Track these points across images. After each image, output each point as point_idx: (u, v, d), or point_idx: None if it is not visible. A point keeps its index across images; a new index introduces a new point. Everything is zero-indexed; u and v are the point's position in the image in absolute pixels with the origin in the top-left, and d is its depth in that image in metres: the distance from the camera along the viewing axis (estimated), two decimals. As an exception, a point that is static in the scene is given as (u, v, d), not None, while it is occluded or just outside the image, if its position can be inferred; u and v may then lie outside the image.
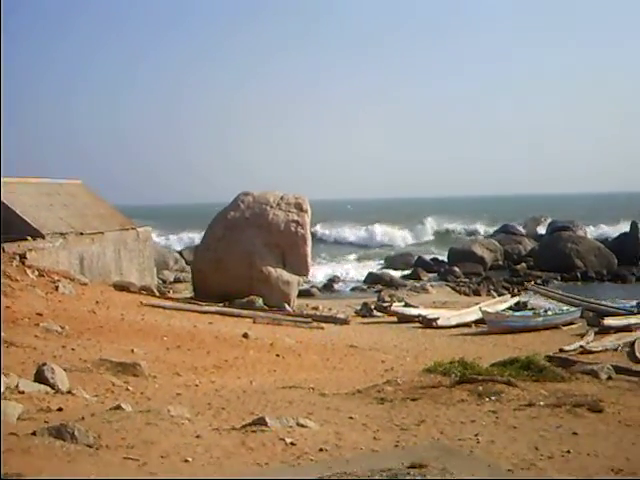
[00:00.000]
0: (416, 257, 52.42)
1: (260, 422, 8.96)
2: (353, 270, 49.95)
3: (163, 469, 7.00)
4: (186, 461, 7.32)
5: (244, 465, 7.40)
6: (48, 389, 10.58)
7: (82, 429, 7.56)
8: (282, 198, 30.75)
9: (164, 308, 24.07)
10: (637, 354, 20.92)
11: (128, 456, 7.23)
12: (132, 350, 16.00)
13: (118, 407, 9.48)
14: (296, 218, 29.95)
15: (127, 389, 12.11)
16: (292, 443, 8.28)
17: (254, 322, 23.52)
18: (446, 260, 52.02)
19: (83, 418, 8.54)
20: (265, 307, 27.16)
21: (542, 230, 61.10)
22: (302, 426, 9.11)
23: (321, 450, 8.15)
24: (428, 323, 26.04)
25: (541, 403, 10.99)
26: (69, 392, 10.82)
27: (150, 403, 10.82)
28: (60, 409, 9.54)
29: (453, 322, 26.43)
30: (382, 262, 53.81)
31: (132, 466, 6.98)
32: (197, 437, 8.25)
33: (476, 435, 9.15)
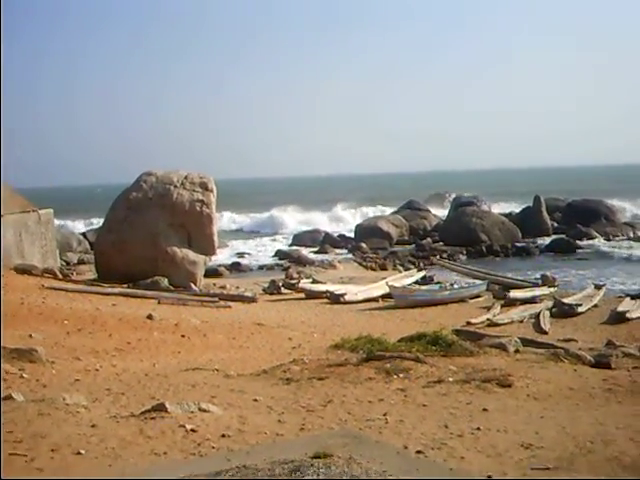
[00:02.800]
0: (323, 234, 52.28)
1: (160, 408, 8.58)
2: (262, 248, 49.68)
3: (52, 464, 6.57)
4: (78, 454, 6.91)
5: (140, 456, 7.02)
6: None
7: (-38, 424, 7.06)
8: (186, 177, 30.07)
9: (66, 291, 23.35)
10: (542, 325, 21.15)
11: (14, 452, 6.76)
12: (30, 335, 15.32)
13: (8, 397, 8.94)
14: (201, 197, 29.35)
15: (21, 377, 11.46)
16: (193, 430, 7.93)
17: (159, 303, 22.97)
18: (353, 236, 52.00)
19: (-33, 412, 8.01)
20: (171, 287, 26.59)
21: (447, 206, 61.63)
22: (204, 411, 8.75)
23: (223, 436, 7.82)
24: (336, 299, 25.84)
25: (450, 379, 10.86)
26: (-47, 384, 10.22)
27: (45, 391, 10.29)
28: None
29: (360, 297, 26.28)
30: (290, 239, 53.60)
31: (18, 463, 6.53)
32: (92, 426, 7.83)
33: (385, 415, 8.93)
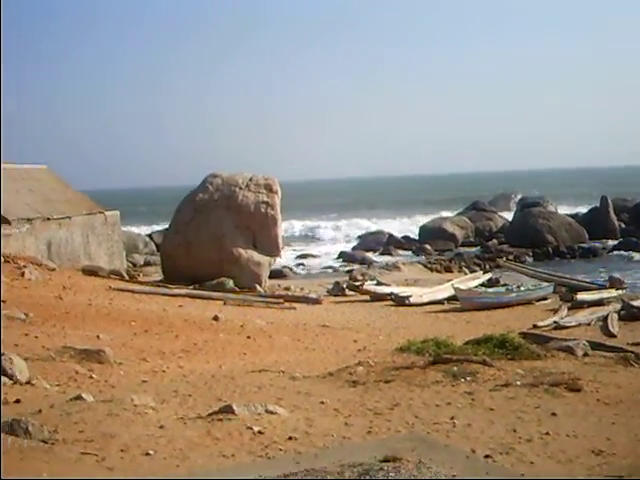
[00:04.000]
0: (387, 235, 52.18)
1: (227, 410, 8.62)
2: (326, 250, 49.75)
3: (122, 464, 6.64)
4: (147, 454, 6.96)
5: (208, 457, 7.06)
6: (6, 380, 10.10)
7: (36, 424, 7.16)
8: (251, 179, 30.29)
9: (133, 292, 23.66)
10: (610, 328, 20.79)
11: (85, 451, 6.85)
12: (98, 336, 15.51)
13: (79, 397, 9.06)
14: (266, 199, 29.54)
15: (91, 377, 11.64)
16: (260, 432, 7.95)
17: (224, 304, 23.18)
18: (417, 238, 51.83)
19: (40, 411, 8.12)
20: (236, 289, 26.79)
21: (513, 207, 61.08)
22: (271, 413, 8.77)
23: (290, 439, 7.83)
24: (400, 301, 25.76)
25: (518, 383, 10.73)
26: (28, 382, 10.37)
27: (114, 392, 10.41)
28: (18, 401, 9.10)
29: (425, 300, 26.16)
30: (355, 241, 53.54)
31: (89, 462, 6.61)
32: (160, 427, 7.89)
33: (452, 418, 8.87)
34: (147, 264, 39.27)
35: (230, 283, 26.99)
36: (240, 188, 29.74)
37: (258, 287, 27.63)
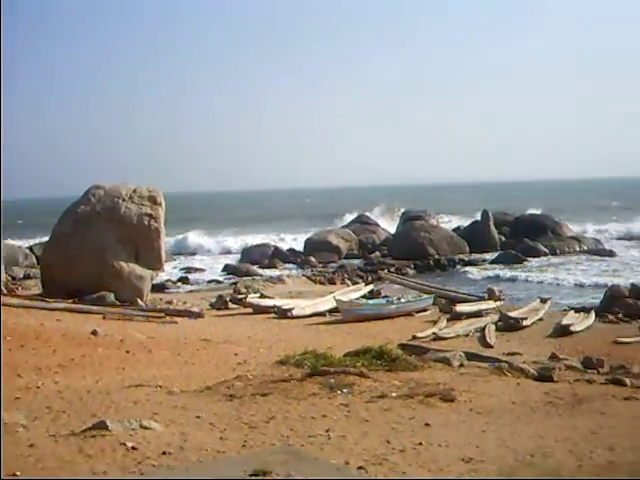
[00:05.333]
0: (273, 248, 52.17)
1: (100, 426, 8.50)
2: (211, 263, 49.38)
3: (-13, 486, 6.48)
4: (14, 475, 6.79)
5: (79, 476, 6.92)
6: None
7: None
8: (135, 191, 29.80)
9: (10, 306, 23.00)
10: (487, 339, 21.30)
11: (-52, 473, 6.66)
12: (-33, 353, 15.07)
13: (-57, 416, 8.80)
14: (149, 211, 29.11)
15: (-42, 395, 11.31)
16: (133, 447, 7.86)
17: (104, 318, 22.73)
18: (302, 250, 51.99)
19: None
20: (117, 303, 26.36)
21: (396, 220, 61.84)
22: (146, 428, 8.69)
23: (164, 454, 7.77)
24: (283, 313, 25.78)
25: (393, 394, 10.90)
26: None
27: (-17, 410, 10.12)
28: None
29: (308, 312, 26.24)
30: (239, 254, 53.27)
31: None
32: (30, 446, 7.74)
33: (327, 431, 8.94)
34: (27, 277, 38.20)
35: (111, 297, 26.53)
36: (123, 200, 29.24)
37: (140, 301, 27.23)
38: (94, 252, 27.71)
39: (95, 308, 24.27)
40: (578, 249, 50.29)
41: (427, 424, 9.38)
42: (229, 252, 55.74)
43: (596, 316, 25.29)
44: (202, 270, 45.63)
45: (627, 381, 13.37)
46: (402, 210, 64.22)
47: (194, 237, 60.16)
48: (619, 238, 58.99)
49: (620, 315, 26.11)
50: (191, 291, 35.63)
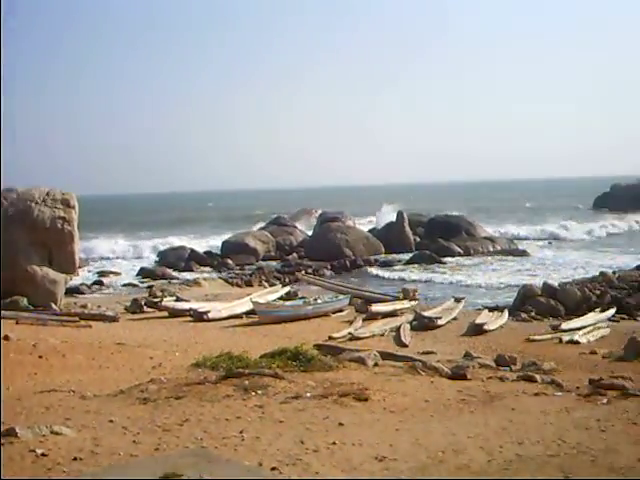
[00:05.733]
0: (189, 250, 51.79)
1: (9, 433, 8.33)
2: (126, 266, 48.80)
3: None
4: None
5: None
6: None
7: None
8: (48, 194, 29.29)
9: None
10: (402, 338, 21.49)
11: None
12: None
13: None
14: (63, 214, 28.65)
15: None
16: (43, 454, 7.74)
17: (17, 323, 22.31)
18: (219, 252, 51.75)
19: None
20: (30, 307, 25.92)
21: (313, 222, 62.03)
22: (57, 434, 8.55)
23: (75, 459, 7.67)
24: (199, 316, 25.61)
25: (308, 395, 10.91)
26: None
27: None
28: None
29: (224, 314, 26.11)
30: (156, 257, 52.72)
31: None
32: None
33: (241, 432, 8.92)
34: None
35: (24, 301, 26.10)
36: (36, 203, 28.73)
37: (53, 305, 26.80)
38: (6, 256, 27.17)
39: (7, 313, 23.76)
40: (492, 249, 51.10)
41: (341, 424, 9.42)
42: (145, 255, 55.12)
43: (509, 315, 25.80)
44: (117, 274, 45.03)
45: (537, 377, 13.62)
46: (319, 212, 64.46)
47: (109, 240, 59.40)
48: (535, 238, 60.18)
49: (532, 313, 26.67)
50: (106, 295, 35.21)
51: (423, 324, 23.95)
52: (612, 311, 26.24)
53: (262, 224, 62.74)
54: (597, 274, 32.85)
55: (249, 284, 37.54)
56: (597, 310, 26.21)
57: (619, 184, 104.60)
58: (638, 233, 64.31)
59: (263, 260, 50.08)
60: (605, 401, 11.25)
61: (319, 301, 27.60)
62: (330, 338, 21.01)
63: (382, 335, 22.44)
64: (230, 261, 47.87)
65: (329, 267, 44.79)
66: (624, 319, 26.39)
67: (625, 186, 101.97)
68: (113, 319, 24.98)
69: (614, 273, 32.94)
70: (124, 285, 39.89)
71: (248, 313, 26.27)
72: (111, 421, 9.50)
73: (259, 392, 10.99)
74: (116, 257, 54.64)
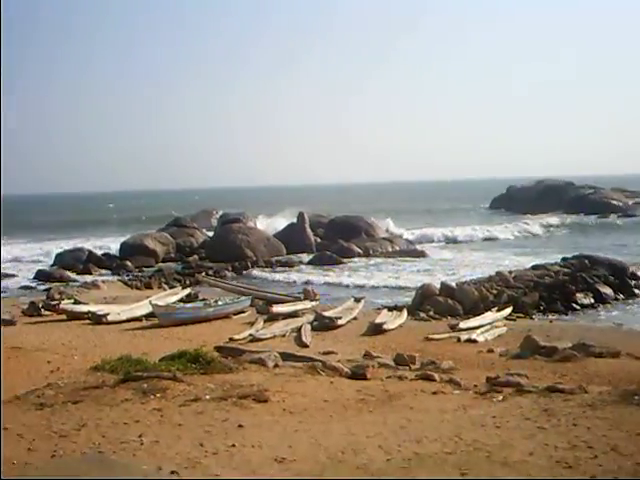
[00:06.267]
0: (87, 252, 50.94)
1: None
2: (23, 268, 47.76)
3: None
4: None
5: None
6: None
7: None
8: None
9: None
10: (303, 339, 21.59)
11: None
12: None
13: None
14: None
15: None
16: None
17: None
18: (118, 254, 51.06)
19: None
20: None
21: (214, 223, 61.82)
22: (-52, 443, 8.33)
23: (-33, 469, 7.48)
24: (98, 319, 25.22)
25: (207, 397, 10.89)
26: None
27: None
28: None
29: (124, 317, 25.76)
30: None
31: None
32: None
33: (140, 436, 8.85)
34: None
35: None
36: None
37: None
38: None
39: None
40: (391, 250, 51.61)
41: (240, 425, 9.43)
42: (42, 258, 53.95)
43: (408, 314, 26.15)
44: (13, 276, 44.08)
45: (436, 376, 13.83)
46: (220, 213, 64.25)
47: (5, 242, 58.07)
48: (433, 240, 60.93)
49: (431, 313, 27.17)
50: (3, 298, 34.39)
51: (324, 324, 24.10)
52: (508, 310, 26.89)
53: (162, 225, 62.13)
54: (494, 274, 33.52)
55: (149, 286, 37.14)
56: (494, 309, 26.78)
57: (514, 186, 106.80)
58: (534, 234, 65.67)
59: (163, 262, 49.66)
60: (501, 398, 11.46)
61: (220, 303, 27.45)
62: (231, 340, 20.94)
63: (283, 336, 22.50)
64: (129, 263, 47.38)
65: (230, 268, 44.68)
66: (520, 317, 27.16)
67: (520, 188, 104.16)
68: (9, 323, 24.42)
69: (510, 273, 33.64)
70: (21, 288, 39.06)
71: (148, 316, 25.99)
72: (6, 428, 9.31)
73: (158, 395, 10.91)
74: (13, 259, 53.48)
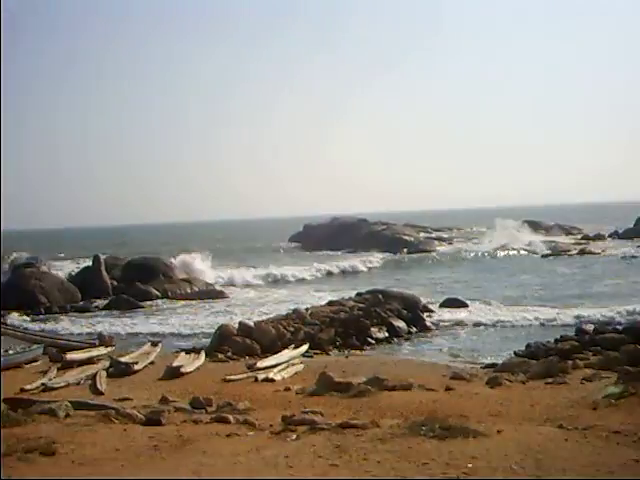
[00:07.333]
0: None
1: None
2: None
3: None
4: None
5: None
6: None
7: None
8: None
9: None
10: (98, 386, 21.13)
11: None
12: None
13: None
14: None
15: None
16: None
17: None
18: None
19: None
20: None
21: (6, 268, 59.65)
22: None
23: None
24: None
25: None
26: None
27: None
28: None
29: None
30: None
31: None
32: None
33: None
34: None
35: None
36: None
37: None
38: None
39: None
40: (190, 291, 51.38)
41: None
42: None
43: (206, 356, 26.06)
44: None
45: (231, 418, 13.77)
46: (13, 256, 62.20)
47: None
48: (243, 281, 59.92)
49: (229, 353, 27.18)
50: None
51: (120, 370, 23.67)
52: (305, 347, 27.32)
53: None
54: (291, 311, 33.89)
55: None
56: (291, 347, 27.10)
57: (310, 224, 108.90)
58: (329, 272, 66.22)
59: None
60: (294, 437, 11.54)
61: (10, 352, 26.40)
62: (22, 390, 20.19)
63: (78, 384, 21.94)
64: None
65: (25, 316, 43.26)
66: (317, 354, 27.64)
67: (316, 225, 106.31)
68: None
69: (307, 310, 34.12)
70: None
71: None
72: None
73: None
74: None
